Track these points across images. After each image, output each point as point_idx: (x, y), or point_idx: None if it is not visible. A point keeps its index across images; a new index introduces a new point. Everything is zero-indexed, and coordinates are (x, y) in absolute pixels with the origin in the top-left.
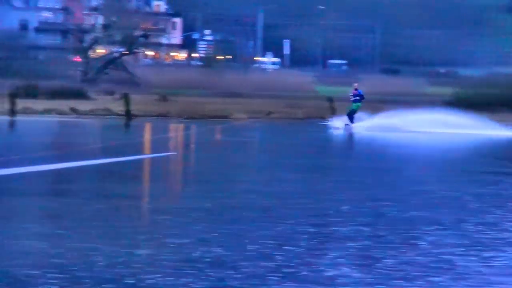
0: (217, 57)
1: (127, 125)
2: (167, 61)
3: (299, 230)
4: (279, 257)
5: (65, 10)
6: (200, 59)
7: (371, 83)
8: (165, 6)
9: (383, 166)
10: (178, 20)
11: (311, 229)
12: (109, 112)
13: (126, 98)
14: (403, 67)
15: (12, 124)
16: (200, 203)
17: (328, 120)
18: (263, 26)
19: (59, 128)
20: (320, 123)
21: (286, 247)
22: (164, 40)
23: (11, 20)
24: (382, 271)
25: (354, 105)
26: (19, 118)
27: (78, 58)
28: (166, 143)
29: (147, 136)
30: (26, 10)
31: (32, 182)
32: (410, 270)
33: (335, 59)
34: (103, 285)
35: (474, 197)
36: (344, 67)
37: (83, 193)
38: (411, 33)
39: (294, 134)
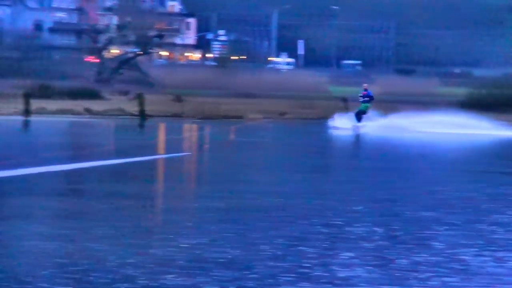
0: (231, 58)
1: (141, 126)
2: (181, 61)
3: (312, 230)
4: (292, 258)
5: (80, 10)
6: (214, 59)
7: (385, 83)
8: (180, 6)
9: (393, 166)
10: (192, 20)
11: (325, 230)
12: (123, 113)
13: (140, 98)
14: (418, 67)
15: (27, 124)
16: (213, 203)
17: (330, 119)
18: (277, 26)
19: (73, 128)
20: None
21: (300, 248)
22: (178, 40)
23: (26, 21)
24: (394, 271)
25: (362, 106)
26: (33, 118)
27: (94, 58)
28: (180, 144)
29: (161, 136)
30: (40, 10)
31: (47, 182)
32: (423, 270)
33: (349, 60)
34: (116, 285)
35: (486, 197)
36: (358, 68)
37: (96, 193)
38: (426, 33)
39: (307, 135)
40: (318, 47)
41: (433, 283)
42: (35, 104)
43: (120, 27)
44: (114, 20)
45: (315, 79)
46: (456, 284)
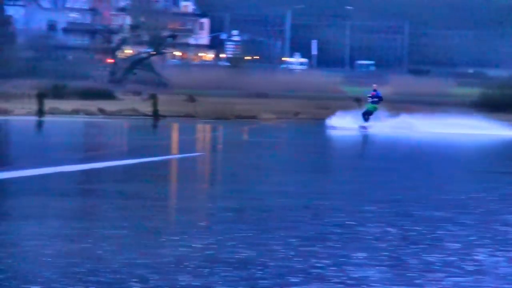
0: (245, 58)
1: (154, 126)
2: (195, 62)
3: (324, 230)
4: (304, 258)
5: (93, 10)
6: (228, 59)
7: (398, 83)
8: (193, 7)
9: (403, 167)
10: (205, 21)
11: (337, 230)
12: (136, 113)
13: (153, 98)
14: (432, 67)
15: (40, 125)
16: (226, 203)
17: (328, 119)
18: (290, 27)
19: (86, 128)
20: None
21: (312, 248)
22: (191, 41)
23: (39, 21)
24: (406, 271)
25: (370, 106)
26: (46, 118)
27: (109, 59)
28: (193, 144)
29: (174, 136)
30: (54, 10)
31: (60, 182)
32: (435, 271)
33: (363, 60)
34: (129, 284)
35: (497, 198)
36: (372, 68)
37: (109, 193)
38: (439, 33)
39: (320, 135)
40: (332, 47)
41: (446, 283)
42: (48, 104)
43: (133, 27)
44: (128, 20)
45: (328, 79)
46: (469, 284)
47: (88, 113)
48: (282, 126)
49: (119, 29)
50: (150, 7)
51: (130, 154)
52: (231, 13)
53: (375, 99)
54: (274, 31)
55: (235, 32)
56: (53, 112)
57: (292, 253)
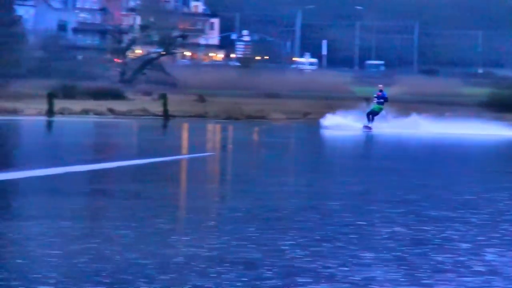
0: (255, 58)
1: (165, 126)
2: (205, 62)
3: (334, 230)
4: (314, 258)
5: (103, 10)
6: (238, 59)
7: (408, 83)
8: (203, 7)
9: (412, 167)
10: (216, 21)
11: (346, 230)
12: (146, 113)
13: (164, 98)
14: (441, 67)
15: (50, 125)
16: (235, 203)
17: (322, 118)
18: (301, 27)
19: (96, 128)
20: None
21: (321, 248)
22: (201, 41)
23: (50, 21)
24: (415, 271)
25: (376, 107)
26: (56, 118)
27: (120, 59)
28: (204, 144)
29: (184, 136)
30: (64, 10)
31: (70, 182)
32: (445, 271)
33: (373, 60)
34: (137, 283)
35: (508, 198)
36: (382, 68)
37: (120, 193)
38: (449, 33)
39: (329, 136)
40: (342, 47)
41: (455, 283)
42: (59, 104)
43: (143, 27)
44: (138, 20)
45: (338, 79)
46: (477, 285)
47: (98, 113)
48: (292, 126)
49: (129, 29)
50: (160, 7)
51: (140, 154)
52: (241, 13)
53: (381, 100)
54: (284, 31)
55: (245, 32)
56: (63, 112)
57: (301, 253)
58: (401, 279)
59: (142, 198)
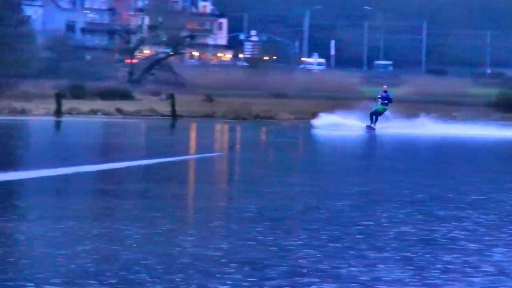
0: (263, 58)
1: (173, 126)
2: (213, 62)
3: (343, 231)
4: (321, 258)
5: (112, 10)
6: (246, 59)
7: (416, 83)
8: (211, 7)
9: (419, 167)
10: (224, 21)
11: (355, 230)
12: (154, 113)
13: (172, 98)
14: (450, 67)
15: (58, 125)
16: (243, 203)
17: (315, 118)
18: (309, 27)
19: (105, 128)
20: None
21: (329, 248)
22: (210, 41)
23: (58, 21)
24: (422, 271)
25: (380, 107)
26: (65, 118)
27: (130, 60)
28: (212, 144)
29: (192, 136)
30: (72, 11)
31: (79, 182)
32: (453, 271)
33: (381, 60)
34: (144, 283)
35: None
36: (390, 68)
37: (128, 193)
38: (457, 33)
39: (335, 136)
40: (350, 48)
41: (462, 283)
42: (67, 104)
43: (151, 27)
44: (146, 20)
45: (346, 79)
46: (485, 285)
47: (106, 113)
48: (300, 126)
49: (138, 29)
50: (169, 7)
51: (148, 155)
52: (249, 13)
53: (385, 101)
54: (292, 31)
55: (253, 32)
56: (71, 112)
57: (309, 253)
58: (408, 279)
59: (149, 198)
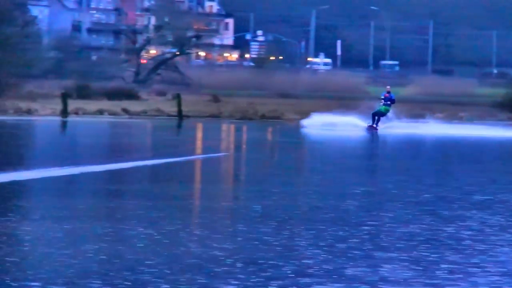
0: (269, 58)
1: (179, 126)
2: (219, 62)
3: (348, 231)
4: (328, 258)
5: (118, 11)
6: (252, 59)
7: (423, 83)
8: (218, 7)
9: (425, 167)
10: (230, 21)
11: (361, 230)
12: (160, 113)
13: (178, 98)
14: (456, 67)
15: (64, 125)
16: (250, 203)
17: (305, 118)
18: (315, 27)
19: (111, 128)
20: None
21: (335, 248)
22: (216, 41)
23: (64, 21)
24: (428, 271)
25: (382, 108)
26: (71, 118)
27: (134, 59)
28: (218, 144)
29: (199, 136)
30: (78, 11)
31: (85, 182)
32: (460, 271)
33: (388, 60)
34: (150, 284)
35: None
36: (396, 68)
37: (134, 194)
38: (464, 33)
39: (344, 136)
40: (356, 48)
41: (468, 284)
42: (73, 104)
43: (158, 27)
44: (152, 20)
45: (353, 79)
46: (494, 285)
47: (112, 113)
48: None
49: (144, 29)
50: (175, 7)
51: (154, 155)
52: (255, 13)
53: (388, 102)
54: (298, 31)
55: (259, 32)
56: (78, 112)
57: (315, 253)
58: (414, 279)
59: (155, 198)
